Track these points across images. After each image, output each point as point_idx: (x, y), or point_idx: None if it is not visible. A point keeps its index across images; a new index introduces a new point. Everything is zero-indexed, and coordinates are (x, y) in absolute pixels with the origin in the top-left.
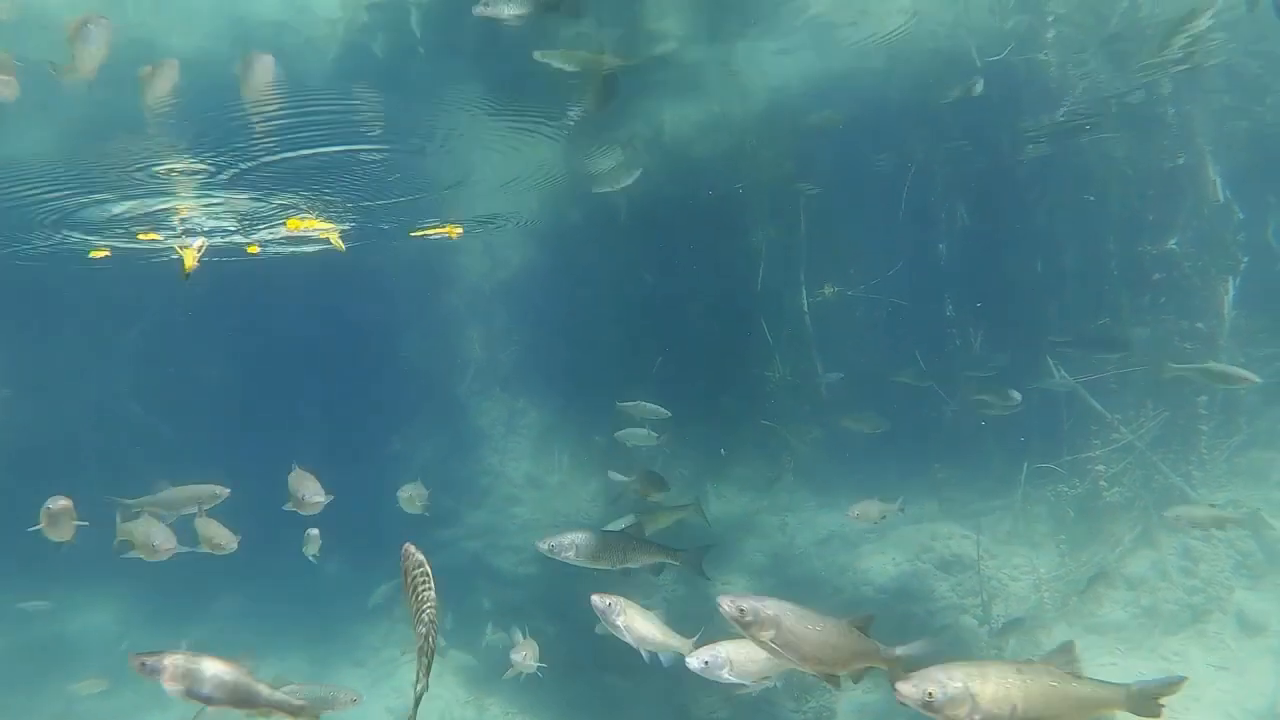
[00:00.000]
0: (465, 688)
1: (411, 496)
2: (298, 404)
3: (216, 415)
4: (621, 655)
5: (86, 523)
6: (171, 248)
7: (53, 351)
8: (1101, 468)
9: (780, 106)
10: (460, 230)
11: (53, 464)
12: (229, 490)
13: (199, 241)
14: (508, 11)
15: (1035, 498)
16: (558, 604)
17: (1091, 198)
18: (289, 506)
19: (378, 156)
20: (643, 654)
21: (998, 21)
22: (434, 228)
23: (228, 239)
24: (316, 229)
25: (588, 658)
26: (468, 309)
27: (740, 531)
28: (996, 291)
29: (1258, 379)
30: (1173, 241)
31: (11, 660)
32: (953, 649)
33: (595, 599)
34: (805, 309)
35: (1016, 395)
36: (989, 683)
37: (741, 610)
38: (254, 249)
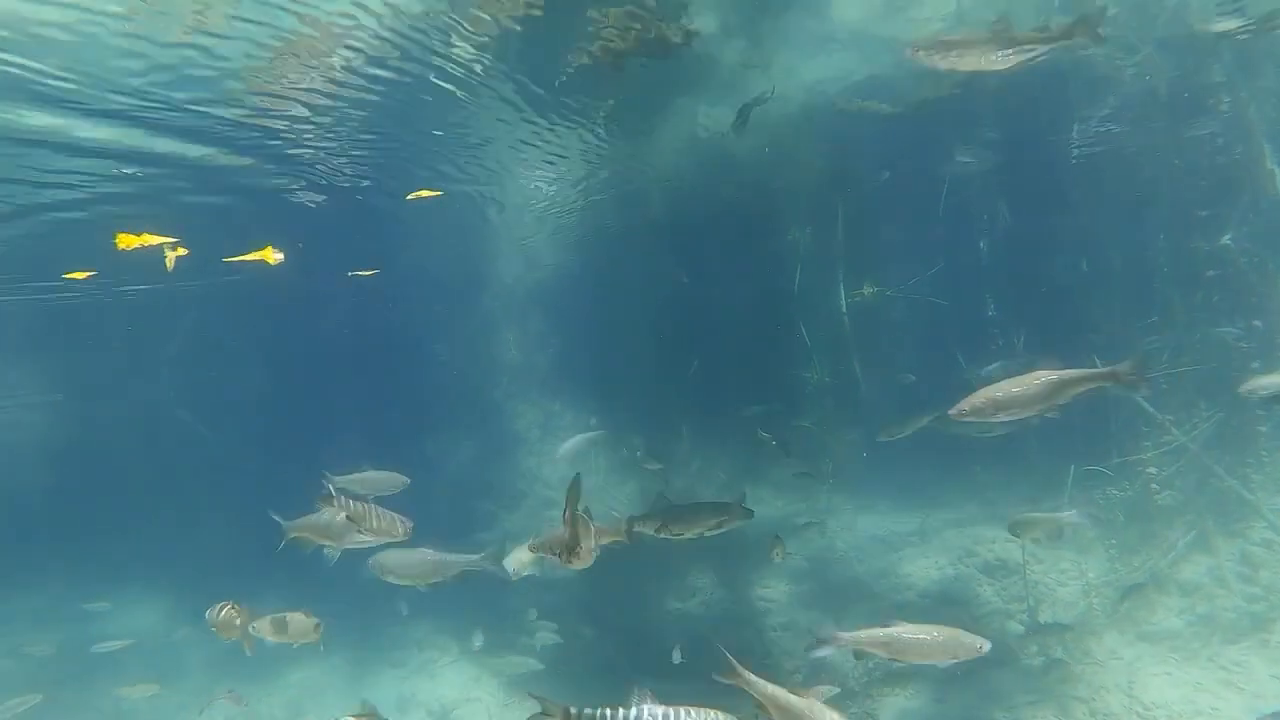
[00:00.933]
0: (506, 690)
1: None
2: (334, 408)
3: (254, 420)
4: (657, 658)
5: (254, 629)
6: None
7: (100, 360)
8: (1153, 470)
9: (817, 107)
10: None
11: (98, 466)
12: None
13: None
14: None
15: (1083, 500)
16: (595, 607)
17: (1139, 194)
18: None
19: None
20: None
21: (1043, 19)
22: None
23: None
24: (149, 244)
25: (624, 659)
26: (503, 312)
27: (780, 531)
28: (1039, 291)
29: None
30: (1227, 237)
31: (62, 659)
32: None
33: None
34: (844, 310)
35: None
36: None
37: None
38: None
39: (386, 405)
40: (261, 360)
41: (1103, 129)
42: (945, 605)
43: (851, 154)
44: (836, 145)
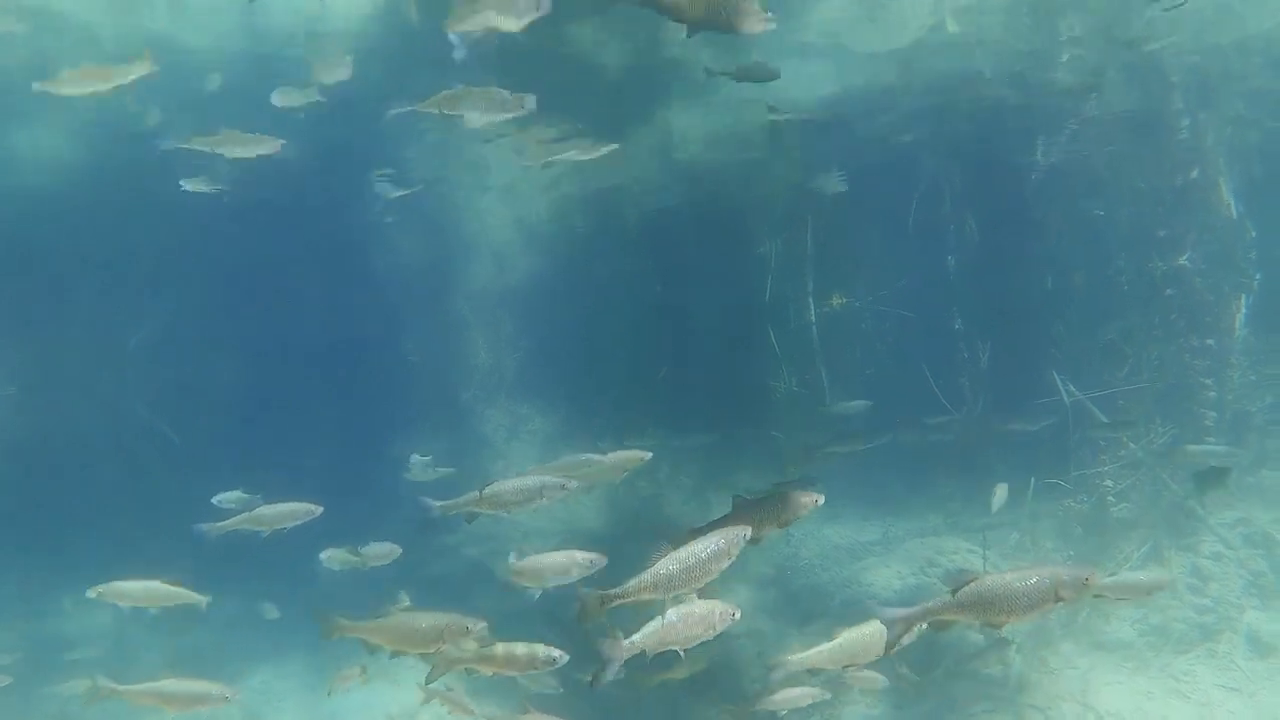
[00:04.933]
0: (469, 695)
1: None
2: (302, 408)
3: (220, 418)
4: (623, 666)
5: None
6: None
7: (58, 351)
8: (1110, 483)
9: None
10: None
11: (57, 461)
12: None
13: None
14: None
15: (1043, 513)
16: (559, 612)
17: (1101, 212)
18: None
19: None
20: None
21: (1012, 40)
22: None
23: None
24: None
25: (587, 667)
26: (474, 314)
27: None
28: (1003, 307)
29: None
30: (1184, 258)
31: (13, 660)
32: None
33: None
34: (812, 320)
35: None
36: None
37: None
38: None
39: (352, 405)
40: (225, 357)
41: (1067, 149)
42: None
43: (819, 166)
44: (805, 156)
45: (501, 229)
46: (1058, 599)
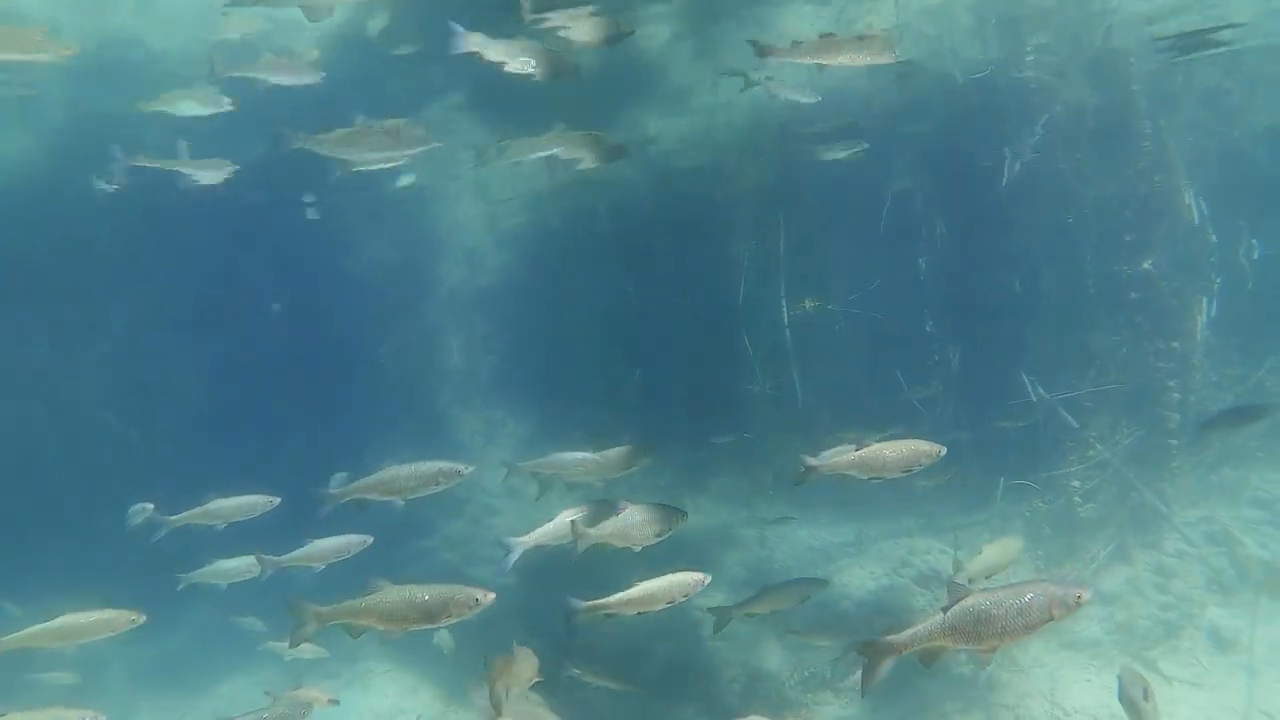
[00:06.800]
0: (442, 701)
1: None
2: (271, 413)
3: (188, 423)
4: (598, 667)
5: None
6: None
7: (23, 354)
8: (1077, 484)
9: (764, 122)
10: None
11: (21, 465)
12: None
13: None
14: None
15: (1012, 513)
16: (534, 616)
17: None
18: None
19: None
20: None
21: (980, 47)
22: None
23: None
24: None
25: (564, 670)
26: (446, 316)
27: (719, 544)
28: (972, 310)
29: None
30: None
31: None
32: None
33: None
34: (785, 322)
35: None
36: None
37: None
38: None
39: (325, 410)
40: (194, 363)
41: (1033, 153)
42: (880, 615)
43: (795, 170)
44: (781, 159)
45: (474, 229)
46: (1050, 618)
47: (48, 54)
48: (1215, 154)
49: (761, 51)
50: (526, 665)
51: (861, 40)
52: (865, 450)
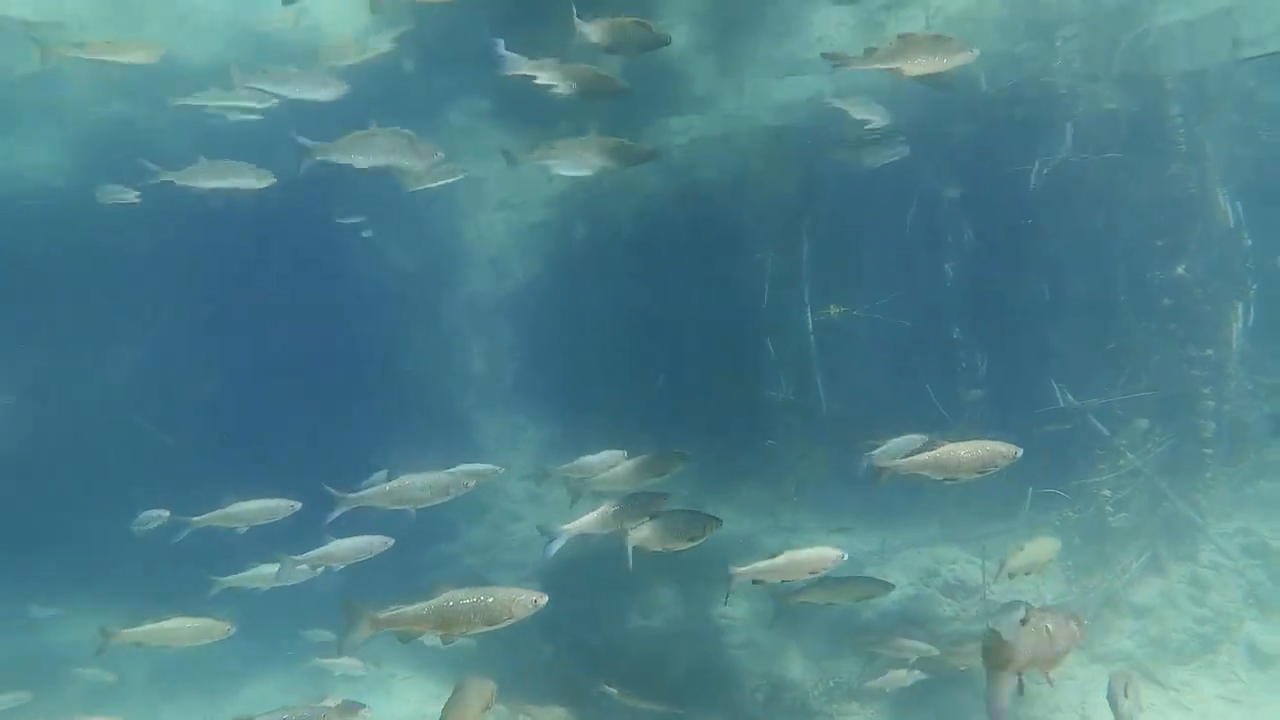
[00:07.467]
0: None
1: None
2: (293, 417)
3: (213, 426)
4: (619, 675)
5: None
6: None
7: (57, 359)
8: (1107, 493)
9: (787, 129)
10: None
11: (55, 471)
12: None
13: None
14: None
15: (1040, 522)
16: (554, 622)
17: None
18: None
19: None
20: None
21: (1008, 46)
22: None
23: None
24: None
25: (584, 677)
26: (470, 322)
27: (742, 553)
28: (1001, 316)
29: None
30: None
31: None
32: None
33: None
34: (810, 329)
35: None
36: None
37: None
38: None
39: (348, 415)
40: (222, 369)
41: (1065, 158)
42: (905, 624)
43: (819, 176)
44: (805, 166)
45: (497, 236)
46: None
47: (142, 56)
48: (1251, 157)
49: (835, 62)
50: (478, 695)
51: (938, 40)
52: (939, 450)
